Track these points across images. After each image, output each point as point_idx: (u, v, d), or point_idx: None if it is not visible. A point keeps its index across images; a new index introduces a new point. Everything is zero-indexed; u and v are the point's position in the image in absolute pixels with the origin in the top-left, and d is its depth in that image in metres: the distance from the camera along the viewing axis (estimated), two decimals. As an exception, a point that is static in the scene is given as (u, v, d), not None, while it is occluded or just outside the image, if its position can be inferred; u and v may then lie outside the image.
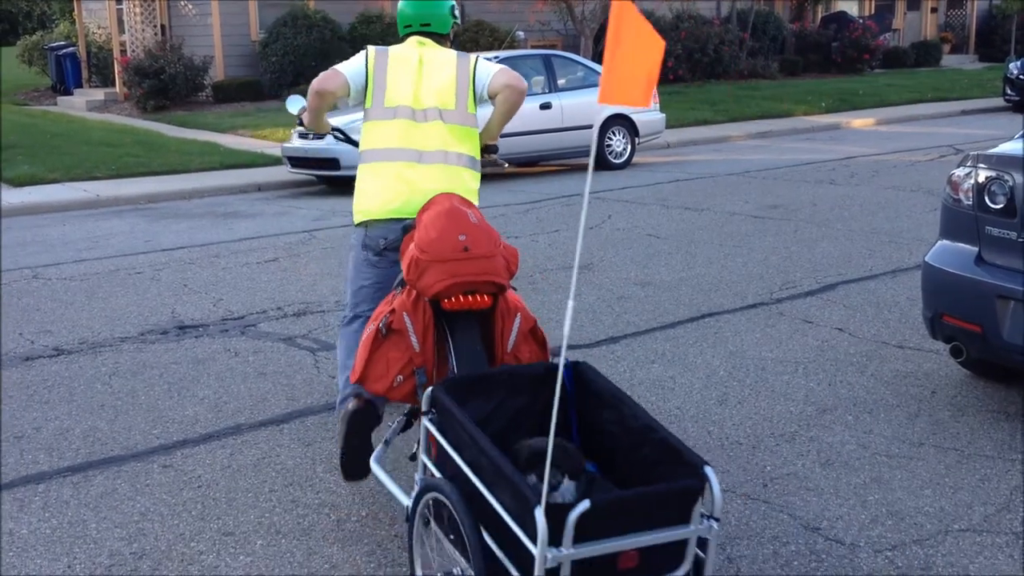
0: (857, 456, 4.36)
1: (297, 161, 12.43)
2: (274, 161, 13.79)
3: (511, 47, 17.43)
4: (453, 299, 3.57)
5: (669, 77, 22.95)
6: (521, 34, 22.60)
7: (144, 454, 4.59)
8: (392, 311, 3.62)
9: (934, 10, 32.15)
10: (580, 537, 2.46)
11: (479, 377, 3.34)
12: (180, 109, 20.15)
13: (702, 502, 2.64)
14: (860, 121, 18.67)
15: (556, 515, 2.45)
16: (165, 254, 8.93)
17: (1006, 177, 4.58)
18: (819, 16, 29.14)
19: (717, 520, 2.64)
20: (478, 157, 4.30)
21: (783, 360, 5.63)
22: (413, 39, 4.34)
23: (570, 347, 5.95)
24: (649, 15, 24.13)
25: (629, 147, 13.80)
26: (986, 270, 4.64)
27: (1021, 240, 4.51)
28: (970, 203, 4.75)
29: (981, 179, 4.70)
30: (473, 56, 4.33)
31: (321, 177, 12.57)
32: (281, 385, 5.43)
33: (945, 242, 4.95)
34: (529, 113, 12.94)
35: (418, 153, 4.13)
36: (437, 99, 4.17)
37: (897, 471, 4.21)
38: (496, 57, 13.32)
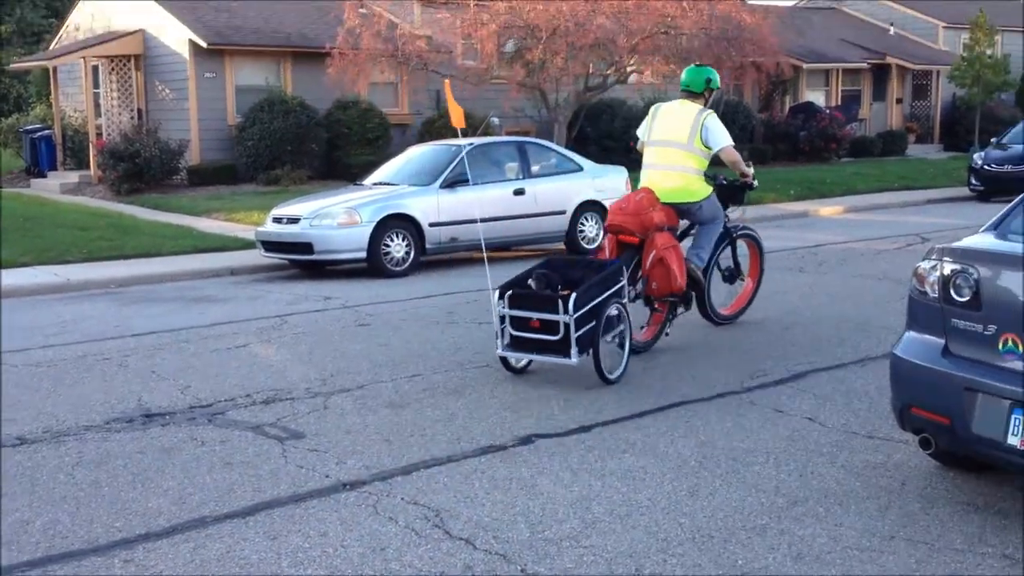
0: (828, 550, 4.33)
1: (271, 245, 12.45)
2: (248, 245, 13.81)
3: (487, 133, 17.65)
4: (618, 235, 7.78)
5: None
6: (496, 120, 22.90)
7: (105, 548, 4.49)
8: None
9: (899, 101, 32.93)
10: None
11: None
12: (155, 192, 20.20)
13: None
14: (828, 209, 18.95)
15: None
16: (134, 339, 8.86)
17: (971, 270, 4.65)
18: (787, 106, 29.75)
19: None
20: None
21: (754, 450, 5.63)
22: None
23: (540, 436, 5.92)
24: (621, 104, 24.57)
25: (602, 233, 13.90)
26: (953, 362, 4.68)
27: (987, 332, 4.55)
28: (936, 295, 4.80)
29: (946, 272, 4.76)
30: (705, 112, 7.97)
31: (295, 261, 12.58)
32: (248, 476, 5.35)
33: (912, 334, 5.00)
34: (503, 199, 13.07)
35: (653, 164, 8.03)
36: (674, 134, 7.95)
37: (868, 565, 4.18)
38: (471, 144, 13.49)
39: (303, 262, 12.44)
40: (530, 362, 7.41)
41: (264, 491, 5.13)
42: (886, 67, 32.10)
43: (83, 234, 14.80)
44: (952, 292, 4.72)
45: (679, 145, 7.86)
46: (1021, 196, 5.18)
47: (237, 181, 20.98)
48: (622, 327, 7.25)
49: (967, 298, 4.66)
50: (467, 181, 12.82)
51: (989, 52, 28.82)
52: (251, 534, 4.60)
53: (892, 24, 34.50)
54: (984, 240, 4.91)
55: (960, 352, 4.68)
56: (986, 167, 20.04)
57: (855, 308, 9.55)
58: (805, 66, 29.56)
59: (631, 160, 18.83)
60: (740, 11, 21.12)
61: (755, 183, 8.47)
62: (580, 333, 6.86)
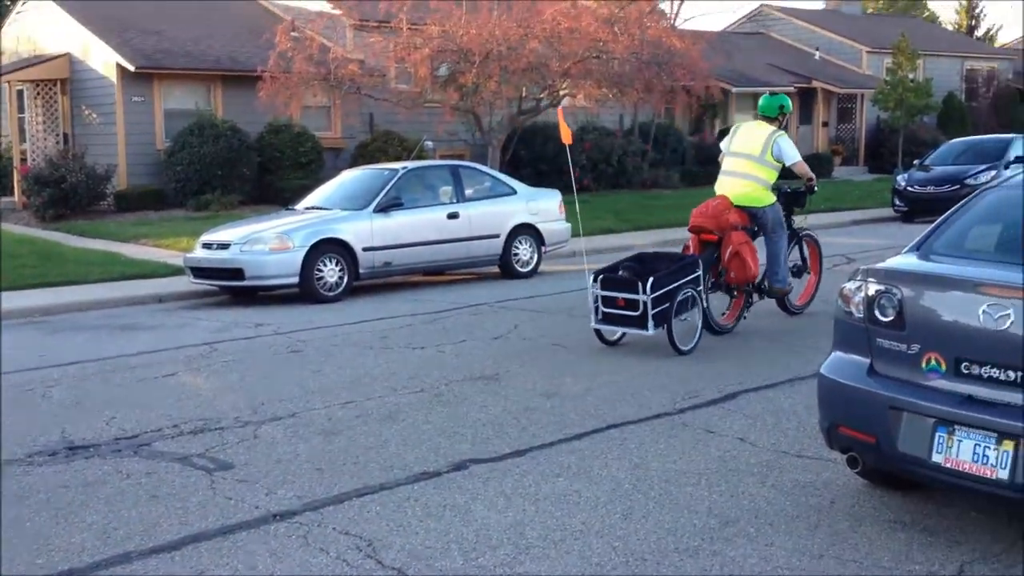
0: (759, 570, 4.36)
1: (200, 272, 12.26)
2: (176, 271, 13.58)
3: (420, 157, 17.64)
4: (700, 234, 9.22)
5: (575, 187, 23.37)
6: (430, 144, 22.92)
7: (25, 586, 4.35)
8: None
9: (825, 124, 33.61)
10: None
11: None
12: (81, 218, 19.80)
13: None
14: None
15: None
16: (58, 369, 8.65)
17: (894, 291, 4.73)
18: (717, 129, 30.21)
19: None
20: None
21: (687, 471, 5.65)
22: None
23: (475, 461, 5.89)
24: (554, 127, 24.71)
25: (536, 256, 13.96)
26: (878, 381, 4.75)
27: (911, 352, 4.64)
28: (861, 316, 4.88)
29: (871, 292, 4.83)
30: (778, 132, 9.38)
31: (225, 288, 12.40)
32: (174, 508, 5.24)
33: (839, 353, 5.07)
34: (437, 223, 13.05)
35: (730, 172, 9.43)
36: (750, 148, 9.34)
37: (799, 585, 4.22)
38: (405, 168, 13.46)
39: (233, 288, 12.28)
40: (623, 335, 9.02)
41: (191, 524, 5.02)
42: (812, 91, 32.76)
43: (5, 262, 14.44)
44: (877, 312, 4.80)
45: (753, 158, 9.27)
46: (941, 217, 5.31)
47: (166, 206, 20.67)
48: (694, 310, 8.81)
49: (891, 318, 4.74)
50: (401, 205, 12.78)
51: (912, 76, 29.56)
52: (178, 569, 4.50)
53: (818, 49, 35.26)
54: (907, 261, 5.01)
55: (885, 371, 4.76)
56: (909, 188, 20.48)
57: (784, 329, 9.68)
58: (734, 90, 30.06)
59: (564, 183, 18.99)
60: (670, 36, 21.44)
61: (816, 187, 9.94)
62: (656, 311, 8.49)
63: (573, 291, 12.37)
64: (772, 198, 9.52)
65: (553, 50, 20.42)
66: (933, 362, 4.57)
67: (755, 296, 9.74)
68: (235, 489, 5.51)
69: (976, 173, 19.78)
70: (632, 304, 8.56)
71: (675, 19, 26.30)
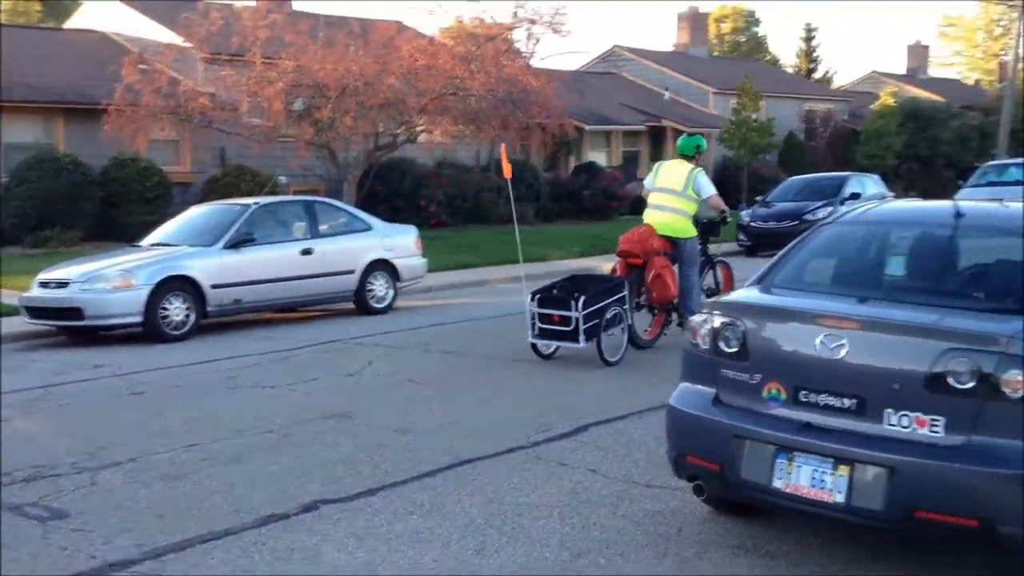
0: (610, 602, 4.38)
1: (37, 311, 11.71)
2: (11, 311, 12.91)
3: (273, 192, 17.34)
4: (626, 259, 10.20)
5: (431, 223, 23.42)
6: (283, 179, 22.57)
7: None
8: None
9: (675, 161, 34.62)
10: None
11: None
12: (-93, 256, 18.67)
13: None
14: (610, 264, 19.54)
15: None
16: None
17: (738, 323, 4.86)
18: (571, 166, 30.77)
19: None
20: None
21: (539, 505, 5.66)
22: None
23: (325, 501, 5.76)
24: (411, 163, 24.71)
25: (391, 292, 13.86)
26: (723, 411, 4.86)
27: (752, 381, 4.76)
28: (707, 347, 4.99)
29: (716, 325, 4.95)
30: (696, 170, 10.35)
31: (64, 328, 11.86)
32: (5, 561, 4.93)
33: (686, 384, 5.17)
34: (290, 259, 12.82)
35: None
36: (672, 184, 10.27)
37: (648, 614, 4.25)
38: (257, 203, 13.20)
39: (72, 328, 11.76)
40: (557, 349, 9.88)
41: (19, 578, 4.73)
42: (662, 129, 33.76)
43: None
44: (721, 344, 4.92)
45: (675, 192, 10.23)
46: (781, 252, 5.50)
47: (3, 244, 19.68)
48: (621, 326, 9.72)
49: (735, 349, 4.86)
50: (253, 241, 12.51)
51: (755, 116, 30.77)
52: (2, 626, 4.23)
53: (667, 89, 36.41)
54: (749, 294, 5.17)
55: (729, 401, 4.88)
56: (752, 224, 21.25)
57: (635, 360, 9.85)
58: (587, 128, 30.71)
59: (421, 218, 18.93)
60: (526, 75, 21.74)
61: (728, 218, 11.11)
62: (587, 326, 9.35)
63: (428, 326, 12.33)
64: (693, 231, 10.43)
65: (410, 86, 20.46)
66: (774, 391, 4.71)
67: (674, 315, 10.62)
68: (70, 539, 5.23)
69: (814, 209, 20.69)
70: (566, 320, 9.43)
71: (530, 58, 26.67)
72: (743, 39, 66.28)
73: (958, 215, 5.17)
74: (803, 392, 4.61)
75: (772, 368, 4.73)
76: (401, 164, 24.37)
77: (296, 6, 28.64)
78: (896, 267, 5.29)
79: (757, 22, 68.42)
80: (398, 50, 20.83)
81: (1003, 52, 76.55)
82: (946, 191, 31.29)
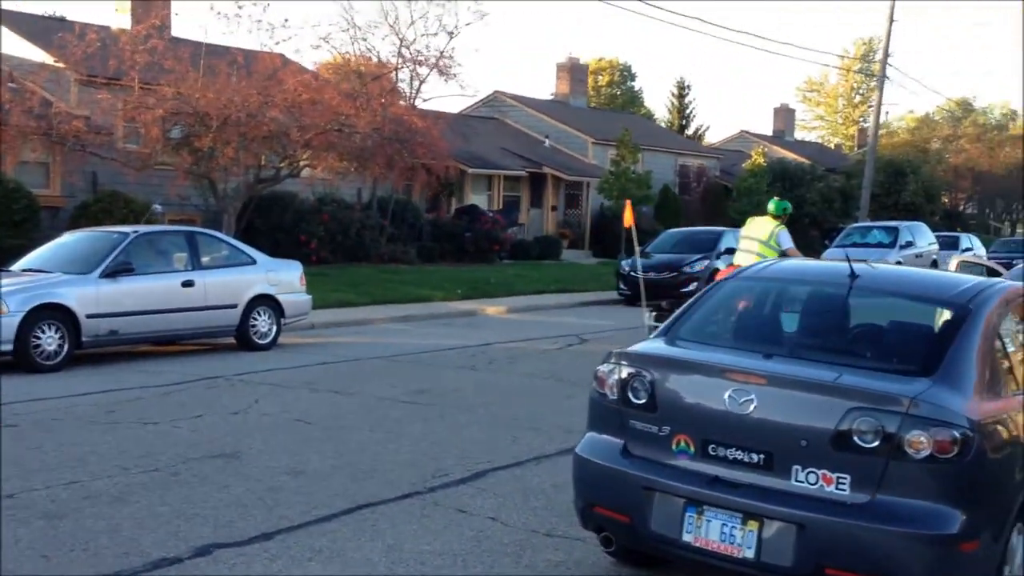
0: (522, 653, 4.36)
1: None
2: None
3: (149, 221, 16.84)
4: None
5: (312, 259, 23.10)
6: (159, 208, 21.93)
7: None
8: None
9: (554, 208, 35.15)
10: None
11: None
12: None
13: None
14: (493, 308, 19.70)
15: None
16: None
17: (646, 374, 4.93)
18: (453, 207, 30.87)
19: None
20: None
21: (442, 552, 5.60)
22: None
23: (220, 545, 5.58)
24: (293, 197, 24.37)
25: (275, 328, 13.60)
26: (632, 462, 4.91)
27: (662, 434, 4.84)
28: (615, 397, 5.05)
29: (624, 375, 5.02)
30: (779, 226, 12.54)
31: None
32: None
33: (593, 434, 5.21)
34: (170, 290, 12.46)
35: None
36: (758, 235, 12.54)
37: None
38: (136, 232, 12.81)
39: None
40: None
41: None
42: (543, 176, 34.23)
43: None
44: (630, 394, 4.98)
45: (760, 241, 12.42)
46: (686, 304, 5.63)
47: None
48: None
49: (643, 400, 4.93)
50: (132, 270, 12.12)
51: (634, 168, 31.46)
52: None
53: (547, 137, 36.98)
54: (656, 346, 5.26)
55: (638, 452, 4.94)
56: (632, 274, 21.60)
57: (527, 406, 9.89)
58: (470, 170, 30.91)
59: (302, 254, 18.65)
60: (412, 115, 21.79)
61: None
62: None
63: (314, 365, 12.13)
64: None
65: (294, 120, 20.24)
66: (683, 443, 4.79)
67: None
68: (-56, 583, 4.93)
69: (692, 262, 21.27)
70: None
71: (414, 98, 26.78)
72: (618, 92, 67.91)
73: (854, 275, 5.34)
74: (712, 445, 4.70)
75: (681, 421, 4.82)
76: (282, 198, 24.00)
77: (175, 32, 28.07)
78: (798, 324, 5.46)
79: (633, 76, 70.22)
80: (282, 83, 20.61)
81: (862, 119, 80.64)
82: (812, 250, 32.59)
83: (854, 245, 26.21)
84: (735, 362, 4.84)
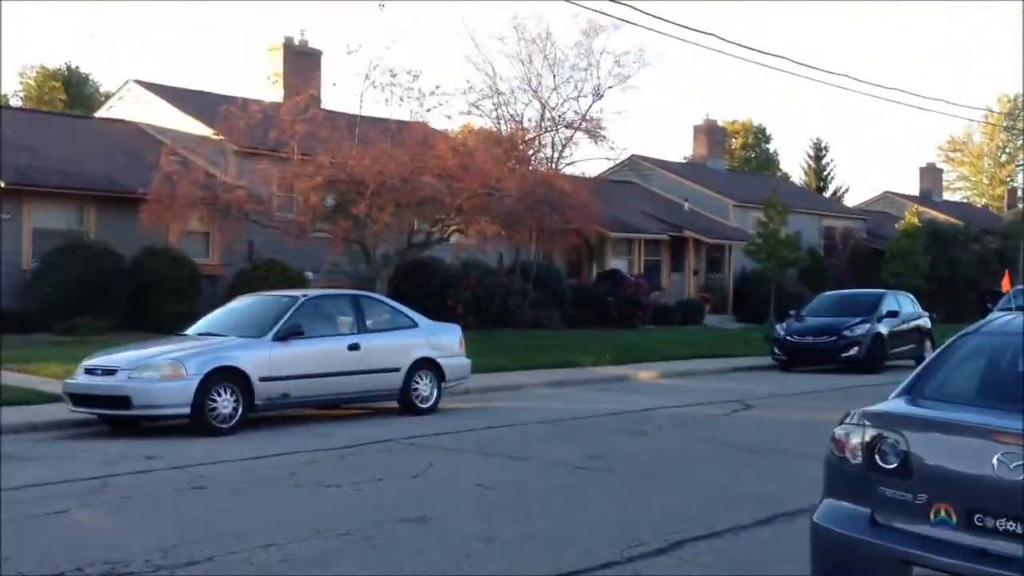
0: None
1: (82, 399, 11.35)
2: (48, 398, 12.57)
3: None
4: None
5: (458, 324, 23.15)
6: (311, 275, 22.45)
7: None
8: None
9: (696, 272, 34.60)
10: None
11: None
12: (-66, 337, 18.37)
13: None
14: (645, 373, 19.29)
15: None
16: (-72, 503, 7.70)
17: (896, 436, 4.55)
18: (594, 272, 30.68)
19: None
20: None
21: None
22: None
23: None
24: (438, 263, 24.59)
25: (436, 391, 13.53)
26: (884, 533, 4.52)
27: (918, 502, 4.44)
28: (859, 462, 4.68)
29: (868, 437, 4.65)
30: None
31: (106, 416, 11.50)
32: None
33: (832, 501, 4.83)
34: (337, 354, 12.54)
35: None
36: None
37: None
38: (305, 295, 13.00)
39: (116, 417, 11.41)
40: None
41: None
42: (683, 240, 33.79)
43: None
44: (878, 458, 4.60)
45: None
46: (926, 361, 5.24)
47: (32, 329, 19.34)
48: None
49: (894, 465, 4.55)
50: (302, 334, 12.25)
51: (783, 230, 30.64)
52: None
53: (687, 200, 36.57)
54: (904, 406, 4.87)
55: (889, 522, 4.54)
56: (789, 338, 20.93)
57: (709, 473, 9.48)
58: (611, 234, 30.71)
59: (448, 319, 18.73)
60: (559, 178, 21.79)
61: None
62: None
63: (480, 428, 11.98)
64: None
65: (446, 185, 20.46)
66: (943, 513, 4.38)
67: None
68: (163, 646, 4.84)
69: (852, 325, 20.45)
70: None
71: (558, 161, 26.86)
72: (753, 154, 67.10)
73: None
74: (978, 515, 4.28)
75: (940, 487, 4.42)
76: (428, 263, 24.25)
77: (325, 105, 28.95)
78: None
79: (768, 138, 69.35)
80: (434, 148, 20.90)
81: (1009, 178, 77.72)
82: (970, 313, 31.22)
83: (1021, 308, 24.95)
84: (1002, 424, 4.43)
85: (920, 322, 22.22)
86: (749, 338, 26.31)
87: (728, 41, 41.96)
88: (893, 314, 21.23)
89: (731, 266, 34.86)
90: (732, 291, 34.78)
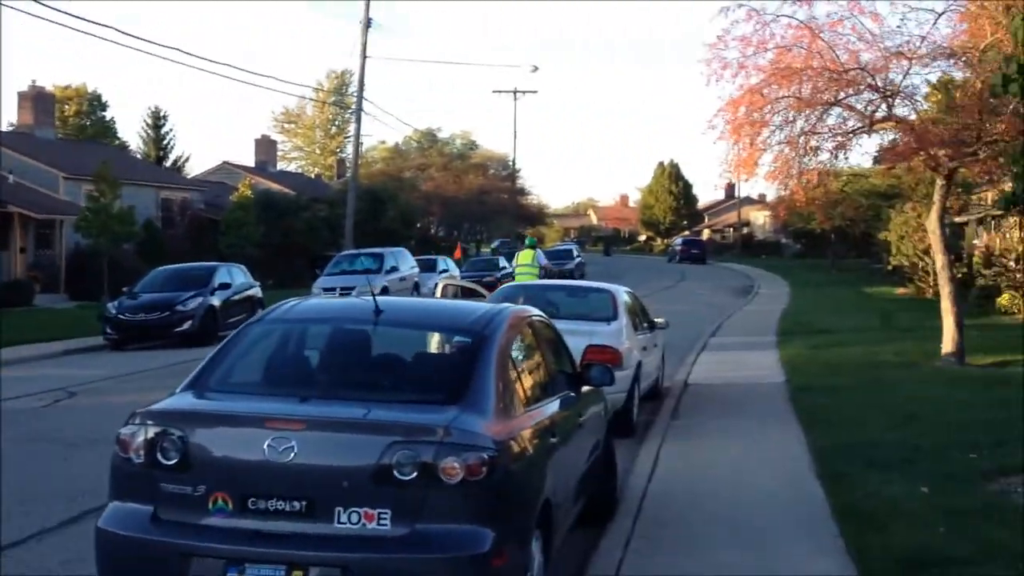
0: None
1: None
2: None
3: None
4: None
5: None
6: None
7: None
8: None
9: (23, 250, 32.06)
10: None
11: None
12: None
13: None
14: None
15: None
16: None
17: (177, 432, 4.62)
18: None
19: None
20: None
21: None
22: None
23: None
24: None
25: None
26: (164, 529, 4.56)
27: (197, 494, 4.55)
28: (142, 461, 4.67)
29: (151, 435, 4.66)
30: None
31: None
32: None
33: (118, 504, 4.77)
34: None
35: None
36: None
37: None
38: None
39: None
40: None
41: None
42: (9, 215, 31.10)
43: None
44: (159, 456, 4.64)
45: (527, 264, 18.31)
46: (212, 352, 5.35)
47: None
48: None
49: (175, 461, 4.62)
50: None
51: (116, 204, 29.62)
52: None
53: (11, 172, 33.70)
54: (184, 400, 4.95)
55: (170, 517, 4.60)
56: (120, 316, 20.27)
57: (20, 474, 8.83)
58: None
59: None
60: None
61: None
62: None
63: None
64: None
65: None
66: (220, 501, 4.55)
67: None
68: None
69: (185, 300, 20.43)
70: None
71: None
72: (88, 122, 63.83)
73: (377, 310, 5.43)
74: (251, 499, 4.52)
75: (217, 477, 4.58)
76: None
77: None
78: (332, 363, 5.44)
79: (105, 105, 66.40)
80: None
81: (340, 150, 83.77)
82: (303, 279, 33.14)
83: (343, 273, 27.00)
84: (272, 409, 4.71)
85: (252, 292, 22.96)
86: (82, 317, 25.09)
87: (45, 4, 38.92)
88: (226, 286, 21.68)
89: (63, 242, 32.92)
90: (65, 268, 32.89)
